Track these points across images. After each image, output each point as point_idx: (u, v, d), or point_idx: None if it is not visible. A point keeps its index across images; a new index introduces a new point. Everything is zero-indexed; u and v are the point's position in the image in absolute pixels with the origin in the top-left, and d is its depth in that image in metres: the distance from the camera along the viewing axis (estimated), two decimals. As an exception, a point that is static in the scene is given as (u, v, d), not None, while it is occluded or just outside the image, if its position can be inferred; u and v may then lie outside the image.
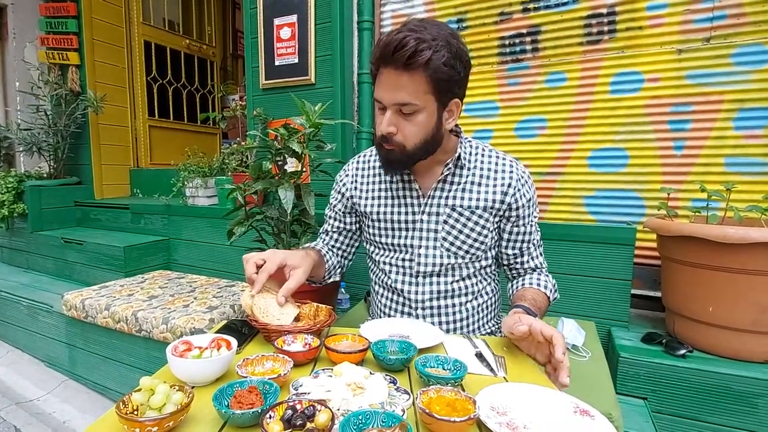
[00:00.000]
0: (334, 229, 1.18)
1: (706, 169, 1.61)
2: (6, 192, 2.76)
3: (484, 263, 1.05)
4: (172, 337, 1.58)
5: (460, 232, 1.01)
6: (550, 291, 1.03)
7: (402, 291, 1.06)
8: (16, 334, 2.33)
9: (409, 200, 1.04)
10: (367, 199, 1.09)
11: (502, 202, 1.00)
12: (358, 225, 1.17)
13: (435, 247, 1.02)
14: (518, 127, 1.94)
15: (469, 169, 1.02)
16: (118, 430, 0.56)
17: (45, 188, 2.89)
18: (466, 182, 1.01)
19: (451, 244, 1.01)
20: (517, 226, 1.03)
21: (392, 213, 1.05)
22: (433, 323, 1.04)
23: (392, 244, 1.06)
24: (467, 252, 1.01)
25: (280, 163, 1.67)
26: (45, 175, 3.06)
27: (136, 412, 0.56)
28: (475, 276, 1.05)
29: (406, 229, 1.04)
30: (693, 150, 1.63)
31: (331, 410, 0.55)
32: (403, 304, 1.07)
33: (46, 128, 2.92)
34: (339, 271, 1.19)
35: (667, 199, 1.54)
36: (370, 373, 0.69)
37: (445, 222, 1.01)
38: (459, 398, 0.60)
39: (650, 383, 1.32)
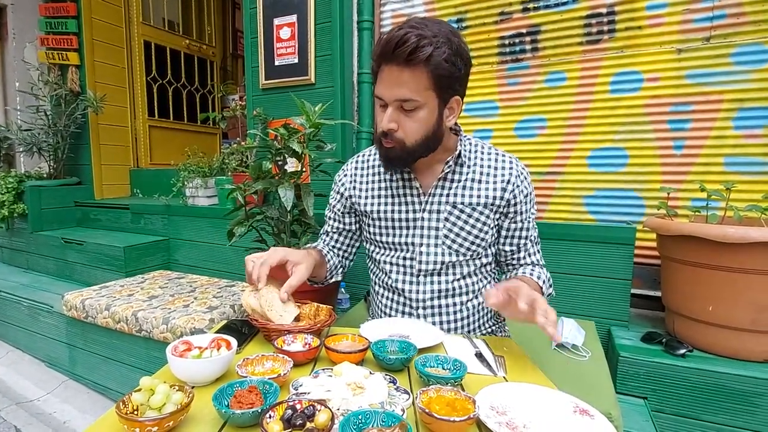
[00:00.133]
0: (334, 230, 1.18)
1: (706, 169, 1.61)
2: (6, 192, 2.76)
3: (484, 260, 1.06)
4: (173, 337, 1.58)
5: (462, 229, 1.01)
6: (544, 282, 1.02)
7: (403, 291, 1.06)
8: (16, 335, 2.33)
9: (409, 198, 1.04)
10: (366, 198, 1.09)
11: (502, 198, 1.00)
12: (357, 225, 1.17)
13: (436, 245, 1.02)
14: (518, 126, 1.94)
15: (469, 166, 1.02)
16: (118, 430, 0.56)
17: (45, 188, 2.89)
18: (466, 180, 1.01)
19: (453, 241, 1.01)
20: (515, 222, 1.03)
21: (393, 211, 1.05)
22: (433, 323, 1.04)
23: (393, 243, 1.06)
24: (468, 249, 1.02)
25: (280, 163, 1.67)
26: (45, 176, 3.06)
27: (136, 412, 0.56)
28: (476, 274, 1.05)
29: (407, 228, 1.04)
30: (693, 149, 1.63)
31: (330, 410, 0.55)
32: (404, 305, 1.07)
33: (46, 128, 2.92)
34: (340, 271, 1.19)
35: (666, 198, 1.54)
36: (370, 372, 0.69)
37: (446, 219, 1.01)
38: (459, 398, 0.61)
39: (650, 383, 1.32)
